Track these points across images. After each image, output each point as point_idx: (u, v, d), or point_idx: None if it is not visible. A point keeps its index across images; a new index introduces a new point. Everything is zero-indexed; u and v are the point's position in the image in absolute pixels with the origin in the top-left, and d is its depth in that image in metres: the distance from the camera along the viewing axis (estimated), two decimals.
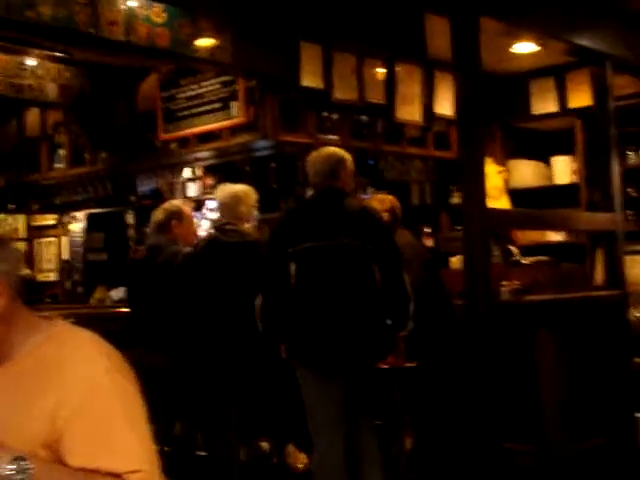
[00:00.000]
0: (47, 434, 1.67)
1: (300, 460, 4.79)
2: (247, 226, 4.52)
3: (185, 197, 7.09)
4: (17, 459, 1.60)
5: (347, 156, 4.11)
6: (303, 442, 4.54)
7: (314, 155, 4.10)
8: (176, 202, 5.17)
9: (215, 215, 5.51)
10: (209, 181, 7.28)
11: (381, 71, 6.63)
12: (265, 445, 4.92)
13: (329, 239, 3.85)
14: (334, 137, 6.77)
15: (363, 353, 3.83)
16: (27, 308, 1.81)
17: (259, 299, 3.88)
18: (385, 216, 4.61)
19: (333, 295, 3.83)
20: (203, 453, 4.87)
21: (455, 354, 4.39)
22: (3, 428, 1.70)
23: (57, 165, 8.37)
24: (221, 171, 7.03)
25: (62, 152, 8.29)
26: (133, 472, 1.65)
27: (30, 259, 8.96)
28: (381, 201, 4.89)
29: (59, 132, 8.28)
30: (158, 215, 4.94)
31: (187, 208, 5.05)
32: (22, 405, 1.71)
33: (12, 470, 1.59)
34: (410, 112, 6.95)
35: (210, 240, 4.52)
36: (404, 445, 4.40)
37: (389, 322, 3.83)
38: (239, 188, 4.63)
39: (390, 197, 5.05)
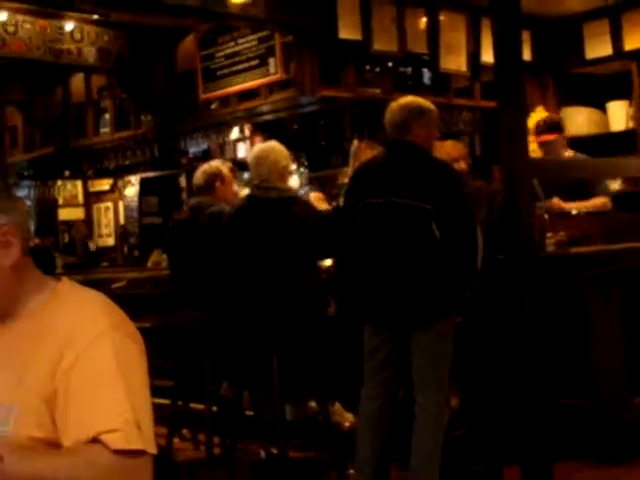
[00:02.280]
0: (47, 388, 1.67)
1: (346, 419, 4.77)
2: (285, 183, 4.52)
3: (235, 157, 7.04)
4: None
5: (426, 107, 3.94)
6: (350, 402, 4.53)
7: (391, 105, 3.97)
8: (216, 163, 5.13)
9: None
10: (258, 140, 7.18)
11: (423, 20, 6.53)
12: (312, 404, 4.91)
13: (383, 197, 3.81)
14: (376, 90, 6.69)
15: (419, 309, 3.78)
16: (35, 267, 1.80)
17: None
18: (462, 164, 4.67)
19: (384, 253, 3.82)
20: (251, 412, 4.94)
21: (500, 309, 4.35)
22: (11, 379, 1.70)
23: (103, 130, 8.45)
24: (269, 129, 6.97)
25: (107, 116, 8.36)
26: (109, 431, 1.62)
27: (89, 225, 9.14)
28: (454, 148, 4.81)
29: (103, 97, 8.33)
30: (199, 178, 4.94)
31: (226, 168, 5.05)
32: (28, 359, 1.70)
33: None
34: (456, 62, 6.86)
35: (249, 197, 4.52)
36: (450, 402, 4.32)
37: (454, 279, 3.75)
38: (257, 150, 4.60)
39: (460, 144, 5.04)
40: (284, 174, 4.50)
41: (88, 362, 1.66)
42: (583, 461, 4.26)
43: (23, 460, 1.59)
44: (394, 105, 3.96)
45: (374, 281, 3.85)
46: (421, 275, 3.75)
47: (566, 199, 5.42)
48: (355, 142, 6.35)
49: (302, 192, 6.57)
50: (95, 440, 1.62)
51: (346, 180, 5.48)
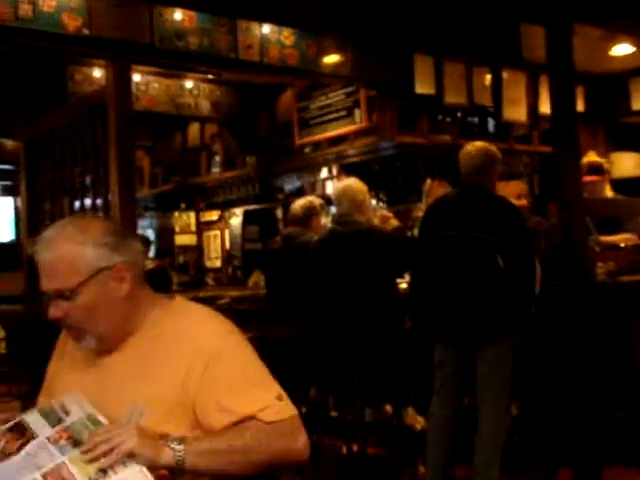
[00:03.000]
0: (179, 396, 1.68)
1: (418, 422, 4.66)
2: (363, 216, 4.35)
3: (324, 194, 6.92)
4: (174, 440, 1.59)
5: (497, 153, 3.88)
6: (421, 406, 4.42)
7: (468, 149, 3.84)
8: (311, 199, 5.02)
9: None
10: (344, 179, 6.94)
11: (488, 77, 6.46)
12: (388, 408, 4.84)
13: (455, 230, 3.72)
14: (446, 137, 6.54)
15: (483, 328, 3.67)
16: (150, 289, 1.82)
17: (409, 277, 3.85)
18: (523, 201, 4.63)
19: (453, 279, 3.73)
20: (335, 414, 4.89)
21: (556, 330, 4.13)
22: (136, 391, 1.70)
23: (214, 169, 8.44)
24: (354, 170, 6.62)
25: (218, 158, 8.35)
26: (262, 409, 1.67)
27: (200, 249, 9.25)
28: (517, 187, 4.74)
29: (214, 142, 8.31)
30: (298, 210, 4.84)
31: (319, 203, 4.98)
32: (150, 371, 1.71)
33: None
34: (516, 112, 6.73)
35: (330, 231, 4.42)
36: (511, 410, 4.22)
37: (514, 303, 3.64)
38: (338, 187, 4.47)
39: (521, 184, 4.83)
40: (362, 207, 4.35)
41: (221, 364, 1.68)
42: (633, 467, 4.16)
43: (199, 440, 1.63)
44: (472, 149, 3.83)
45: (444, 303, 3.75)
46: (486, 299, 3.66)
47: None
48: (428, 181, 6.32)
49: (372, 206, 6.40)
50: (252, 418, 1.67)
51: (420, 214, 5.26)
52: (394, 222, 4.95)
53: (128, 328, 1.77)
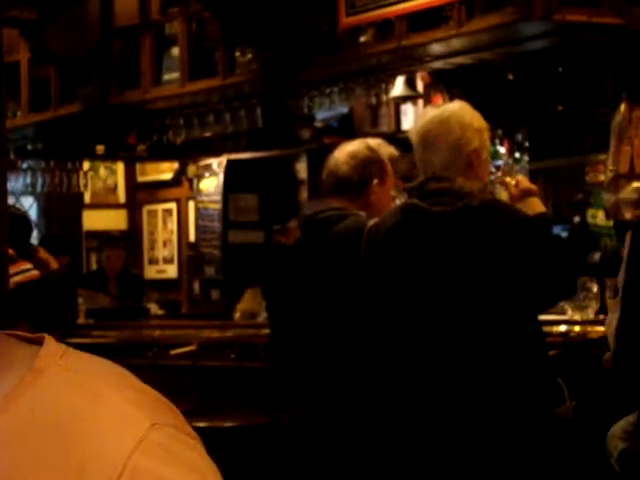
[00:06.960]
0: None
1: None
2: (475, 180, 3.54)
3: (397, 131, 5.91)
4: None
5: None
6: None
7: None
8: (374, 143, 4.24)
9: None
10: (439, 101, 5.74)
11: None
12: None
13: None
14: None
15: None
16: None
17: (614, 315, 3.25)
18: None
19: None
20: None
21: None
22: None
23: (167, 76, 6.82)
24: (460, 82, 5.62)
25: (176, 52, 6.73)
26: None
27: (135, 240, 8.90)
28: None
29: (170, 17, 6.73)
30: (344, 167, 4.11)
31: (387, 155, 4.18)
32: None
33: None
34: None
35: (405, 210, 3.67)
36: None
37: None
38: (433, 117, 3.71)
39: None
40: (475, 162, 3.53)
41: None
42: None
43: None
44: None
45: None
46: None
47: None
48: (622, 106, 5.23)
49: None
50: None
51: (601, 177, 5.24)
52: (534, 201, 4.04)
53: None
